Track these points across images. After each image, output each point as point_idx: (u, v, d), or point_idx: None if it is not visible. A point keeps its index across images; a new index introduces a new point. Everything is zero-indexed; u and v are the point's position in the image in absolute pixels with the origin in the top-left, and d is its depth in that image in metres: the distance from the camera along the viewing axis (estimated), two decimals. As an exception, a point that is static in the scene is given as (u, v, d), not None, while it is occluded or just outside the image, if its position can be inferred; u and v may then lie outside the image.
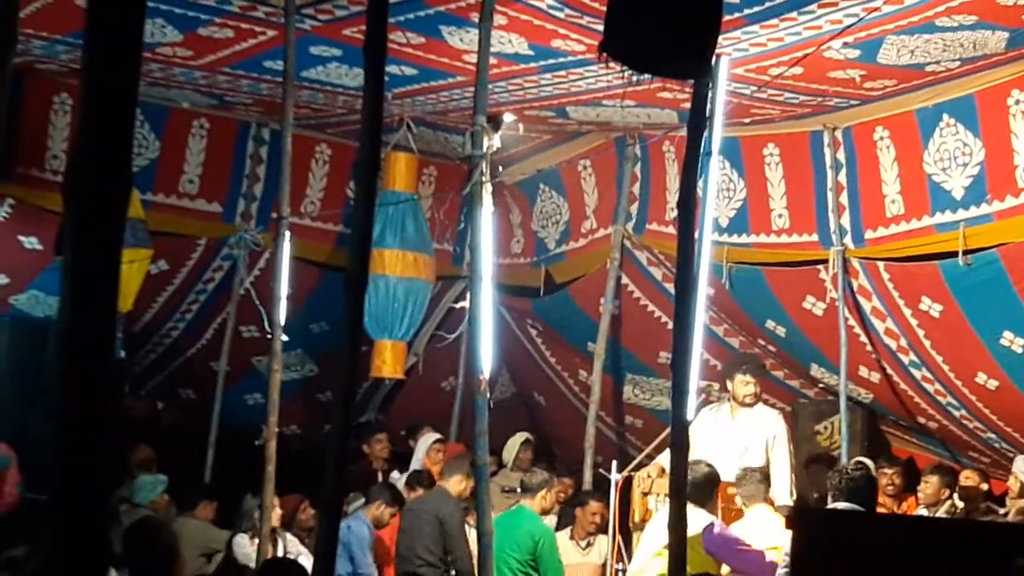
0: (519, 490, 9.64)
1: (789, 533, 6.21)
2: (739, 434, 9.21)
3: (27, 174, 9.96)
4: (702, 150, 5.56)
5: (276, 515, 8.71)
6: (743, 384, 9.40)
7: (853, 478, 7.31)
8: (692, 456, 8.20)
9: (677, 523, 5.15)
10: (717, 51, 6.33)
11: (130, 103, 1.79)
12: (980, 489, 9.37)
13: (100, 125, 1.79)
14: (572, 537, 9.82)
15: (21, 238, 10.16)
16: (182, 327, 11.85)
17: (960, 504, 9.25)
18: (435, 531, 8.86)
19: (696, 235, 5.96)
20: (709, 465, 8.19)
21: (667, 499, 8.14)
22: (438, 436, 11.37)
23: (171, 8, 7.86)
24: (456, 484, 9.25)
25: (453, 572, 9.06)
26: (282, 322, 8.41)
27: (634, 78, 4.72)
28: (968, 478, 9.48)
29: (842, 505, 7.14)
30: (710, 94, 6.07)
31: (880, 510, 9.52)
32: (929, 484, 9.33)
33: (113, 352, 1.83)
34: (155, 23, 8.08)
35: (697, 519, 7.20)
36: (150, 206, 10.36)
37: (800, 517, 6.19)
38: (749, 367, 9.60)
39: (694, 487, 7.86)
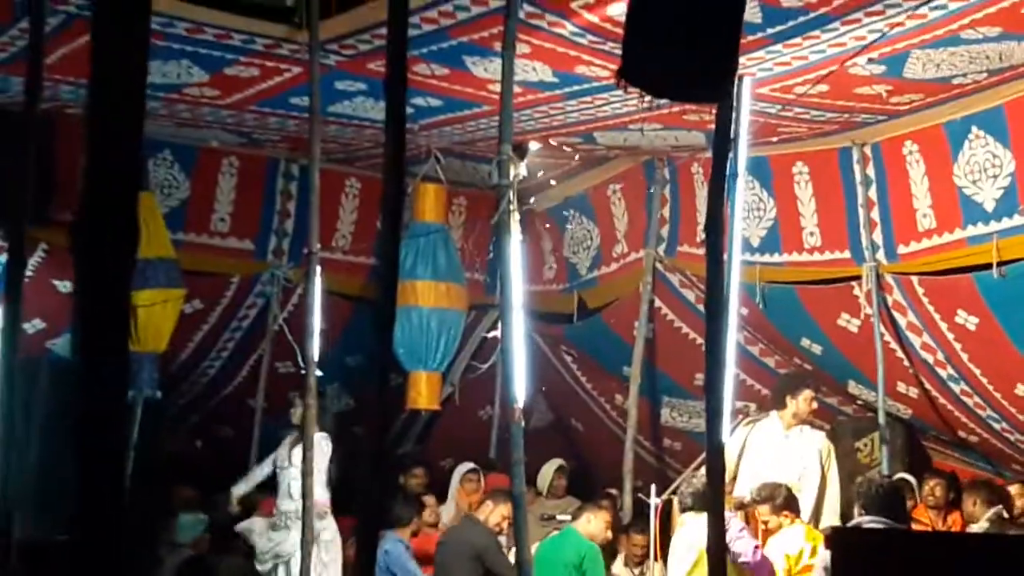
0: (557, 517, 9.67)
1: (827, 552, 6.17)
2: (796, 451, 9.04)
3: (60, 218, 10.01)
4: (728, 171, 5.55)
5: None
6: (808, 400, 9.20)
7: (883, 489, 7.19)
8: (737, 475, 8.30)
9: (717, 542, 5.11)
10: (740, 72, 6.32)
11: (134, 151, 1.80)
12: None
13: (104, 175, 1.80)
14: (626, 565, 10.04)
15: (55, 282, 10.20)
16: (218, 365, 11.89)
17: (1006, 514, 9.17)
18: (471, 564, 8.78)
19: (726, 256, 5.94)
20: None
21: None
22: (472, 466, 11.28)
23: (196, 49, 7.91)
24: (484, 511, 9.19)
25: None
26: (316, 357, 8.41)
27: (656, 103, 4.71)
28: (1017, 493, 9.41)
29: (870, 519, 7.02)
30: (734, 115, 6.06)
31: (924, 524, 9.46)
32: (975, 503, 9.26)
33: (125, 396, 1.84)
34: (181, 64, 8.16)
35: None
36: (182, 245, 10.40)
37: (841, 536, 6.13)
38: (814, 382, 9.49)
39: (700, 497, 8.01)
